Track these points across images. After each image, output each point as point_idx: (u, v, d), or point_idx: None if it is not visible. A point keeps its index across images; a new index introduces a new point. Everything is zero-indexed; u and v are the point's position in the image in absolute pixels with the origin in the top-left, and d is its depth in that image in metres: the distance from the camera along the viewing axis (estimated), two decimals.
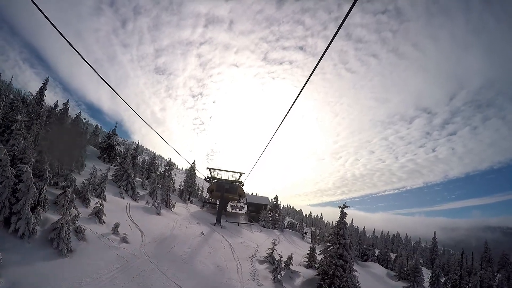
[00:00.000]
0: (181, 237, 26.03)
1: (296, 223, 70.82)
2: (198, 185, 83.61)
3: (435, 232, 72.88)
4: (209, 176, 40.80)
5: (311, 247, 38.64)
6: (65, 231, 15.86)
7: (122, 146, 79.20)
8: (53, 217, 17.98)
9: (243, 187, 41.32)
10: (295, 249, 42.80)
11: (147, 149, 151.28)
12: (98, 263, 16.09)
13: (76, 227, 17.90)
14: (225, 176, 41.13)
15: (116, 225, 21.08)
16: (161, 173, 67.89)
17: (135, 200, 35.76)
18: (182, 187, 61.44)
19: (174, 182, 73.06)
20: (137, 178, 56.31)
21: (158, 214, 31.32)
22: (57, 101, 51.55)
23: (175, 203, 38.77)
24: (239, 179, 41.53)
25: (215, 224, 36.95)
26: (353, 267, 26.32)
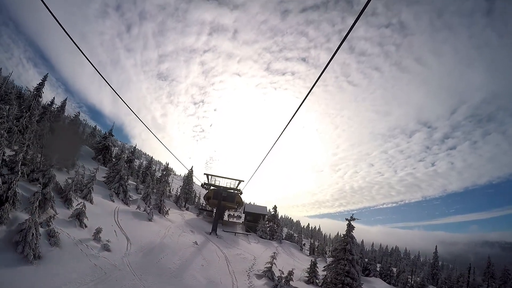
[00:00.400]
0: (172, 246, 23.41)
1: (294, 234, 67.76)
2: (195, 192, 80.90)
3: (436, 246, 69.81)
4: (207, 182, 38.34)
5: (312, 261, 35.80)
6: (33, 234, 13.41)
7: (117, 148, 76.87)
8: (26, 217, 15.52)
9: (241, 196, 38.73)
10: (294, 262, 39.91)
11: (145, 153, 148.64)
12: (69, 275, 13.53)
13: (50, 230, 15.41)
14: (223, 183, 38.69)
15: (98, 230, 18.57)
16: (157, 178, 65.37)
17: (127, 204, 33.22)
18: (178, 193, 58.76)
19: (171, 188, 70.46)
20: (131, 182, 53.82)
21: (150, 220, 28.74)
22: (54, 98, 49.65)
23: (169, 209, 36.18)
24: (237, 187, 39.06)
25: (210, 233, 34.29)
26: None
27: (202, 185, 38.57)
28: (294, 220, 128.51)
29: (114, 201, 30.75)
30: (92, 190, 25.93)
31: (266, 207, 60.07)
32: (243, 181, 37.20)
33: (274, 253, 24.68)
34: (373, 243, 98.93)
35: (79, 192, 24.81)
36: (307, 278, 28.33)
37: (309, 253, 57.36)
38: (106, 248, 17.90)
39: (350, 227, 23.96)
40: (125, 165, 55.29)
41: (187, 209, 60.98)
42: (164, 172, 65.56)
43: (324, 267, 24.89)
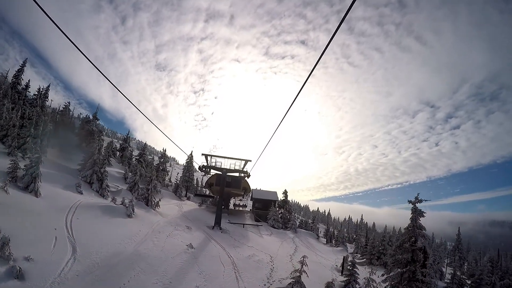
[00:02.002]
0: (152, 256, 15.04)
1: (307, 220, 59.65)
2: (197, 180, 72.86)
3: (459, 228, 61.98)
4: (206, 165, 29.73)
5: (344, 258, 27.68)
6: None
7: (105, 136, 68.36)
8: None
9: (248, 179, 29.99)
10: (316, 256, 31.83)
11: (139, 140, 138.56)
12: None
13: None
14: (225, 164, 29.98)
15: (4, 241, 10.16)
16: (155, 166, 57.17)
17: (103, 196, 24.94)
18: (177, 182, 50.55)
19: (170, 177, 62.26)
20: (118, 170, 45.56)
21: (129, 216, 20.44)
22: (29, 80, 41.10)
23: (160, 200, 27.79)
24: (243, 168, 30.41)
25: (213, 228, 26.15)
26: None
27: (199, 168, 30.14)
28: (302, 205, 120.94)
29: (82, 193, 22.38)
30: (39, 178, 17.49)
31: (276, 192, 51.83)
32: (250, 160, 28.64)
33: (303, 257, 16.23)
34: (386, 226, 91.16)
35: (14, 182, 16.40)
36: (343, 284, 20.11)
37: (326, 241, 49.55)
38: (16, 273, 9.53)
39: (416, 214, 15.41)
40: (108, 152, 46.89)
41: (188, 199, 52.98)
42: (162, 159, 57.33)
43: (384, 276, 16.25)
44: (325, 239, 51.64)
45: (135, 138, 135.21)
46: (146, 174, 43.46)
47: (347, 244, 48.30)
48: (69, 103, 52.79)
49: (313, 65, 4.46)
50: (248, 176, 29.48)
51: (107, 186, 26.09)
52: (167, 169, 57.58)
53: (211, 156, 29.30)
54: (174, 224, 22.95)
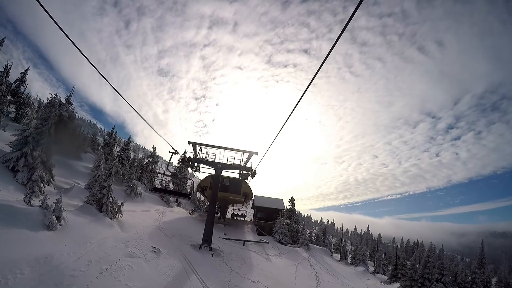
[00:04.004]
0: None
1: (318, 233, 49.57)
2: (193, 184, 63.10)
3: (482, 241, 52.54)
4: (191, 157, 19.89)
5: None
6: None
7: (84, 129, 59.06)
8: None
9: (255, 175, 19.82)
10: (343, 285, 22.34)
11: (131, 138, 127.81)
12: None
13: None
14: (222, 158, 20.32)
15: None
16: (143, 165, 47.82)
17: (32, 191, 15.64)
18: (165, 185, 41.13)
19: (162, 180, 52.54)
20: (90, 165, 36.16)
21: (49, 227, 11.18)
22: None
23: (122, 204, 18.26)
24: (246, 163, 20.67)
25: (200, 248, 16.80)
26: None
27: (183, 161, 20.53)
28: (303, 214, 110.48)
29: None
30: None
31: (281, 199, 42.28)
32: (257, 153, 19.19)
33: (316, 274, 6.98)
34: (394, 238, 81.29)
35: None
36: None
37: (340, 258, 39.86)
38: None
39: None
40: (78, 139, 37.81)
41: (178, 205, 43.45)
42: (150, 159, 48.01)
43: None
44: (339, 255, 41.89)
45: (132, 141, 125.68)
46: (124, 171, 34.18)
47: (367, 261, 38.62)
48: (56, 95, 44.19)
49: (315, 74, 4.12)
50: (254, 174, 19.79)
51: (41, 178, 16.59)
52: (157, 171, 48.15)
53: (201, 145, 19.96)
54: (133, 243, 13.53)
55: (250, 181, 23.63)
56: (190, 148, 19.35)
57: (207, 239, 17.39)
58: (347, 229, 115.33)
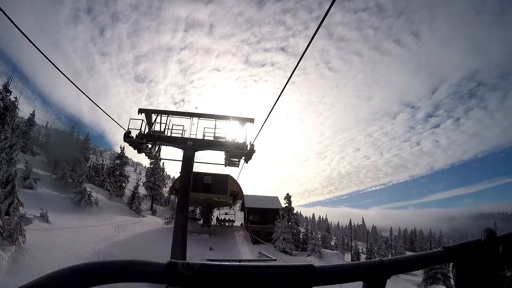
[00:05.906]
0: None
1: (324, 234, 42.69)
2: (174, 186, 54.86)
3: (495, 222, 49.09)
4: (144, 132, 11.66)
5: None
6: None
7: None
8: None
9: (252, 155, 11.89)
10: None
11: (89, 134, 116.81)
12: None
13: None
14: (196, 132, 12.69)
15: None
16: (109, 168, 38.94)
17: None
18: (133, 191, 32.59)
19: (137, 185, 43.69)
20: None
21: None
22: None
23: (31, 219, 10.38)
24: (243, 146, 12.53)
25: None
26: None
27: (125, 137, 12.23)
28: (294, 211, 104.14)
29: None
30: None
31: (277, 197, 35.12)
32: (253, 120, 11.73)
33: None
34: (391, 228, 76.83)
35: None
36: None
37: (352, 259, 33.51)
38: None
39: None
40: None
41: (153, 213, 35.25)
42: (118, 161, 39.34)
43: None
44: (349, 256, 35.48)
45: (110, 150, 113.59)
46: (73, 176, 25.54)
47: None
48: (16, 97, 34.39)
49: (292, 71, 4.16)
50: (251, 153, 11.89)
51: None
52: (127, 175, 39.53)
53: (161, 113, 12.03)
54: None
55: (245, 166, 15.77)
56: (139, 124, 11.34)
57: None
58: (338, 222, 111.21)
